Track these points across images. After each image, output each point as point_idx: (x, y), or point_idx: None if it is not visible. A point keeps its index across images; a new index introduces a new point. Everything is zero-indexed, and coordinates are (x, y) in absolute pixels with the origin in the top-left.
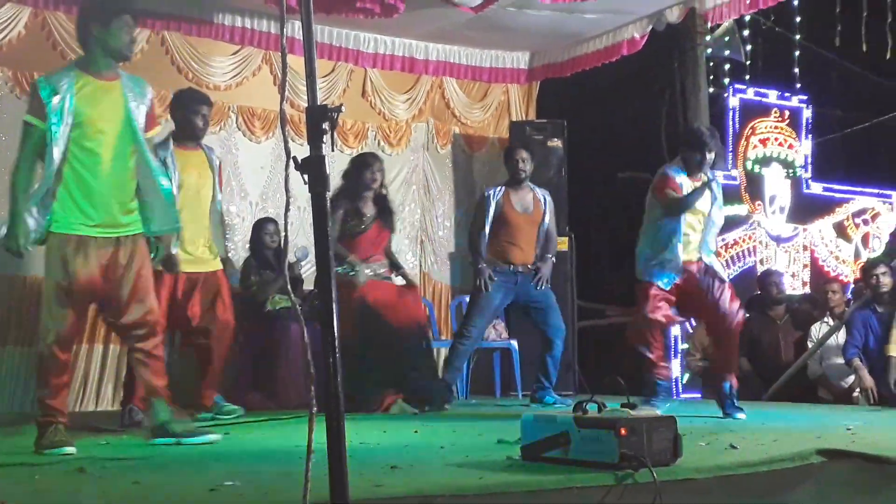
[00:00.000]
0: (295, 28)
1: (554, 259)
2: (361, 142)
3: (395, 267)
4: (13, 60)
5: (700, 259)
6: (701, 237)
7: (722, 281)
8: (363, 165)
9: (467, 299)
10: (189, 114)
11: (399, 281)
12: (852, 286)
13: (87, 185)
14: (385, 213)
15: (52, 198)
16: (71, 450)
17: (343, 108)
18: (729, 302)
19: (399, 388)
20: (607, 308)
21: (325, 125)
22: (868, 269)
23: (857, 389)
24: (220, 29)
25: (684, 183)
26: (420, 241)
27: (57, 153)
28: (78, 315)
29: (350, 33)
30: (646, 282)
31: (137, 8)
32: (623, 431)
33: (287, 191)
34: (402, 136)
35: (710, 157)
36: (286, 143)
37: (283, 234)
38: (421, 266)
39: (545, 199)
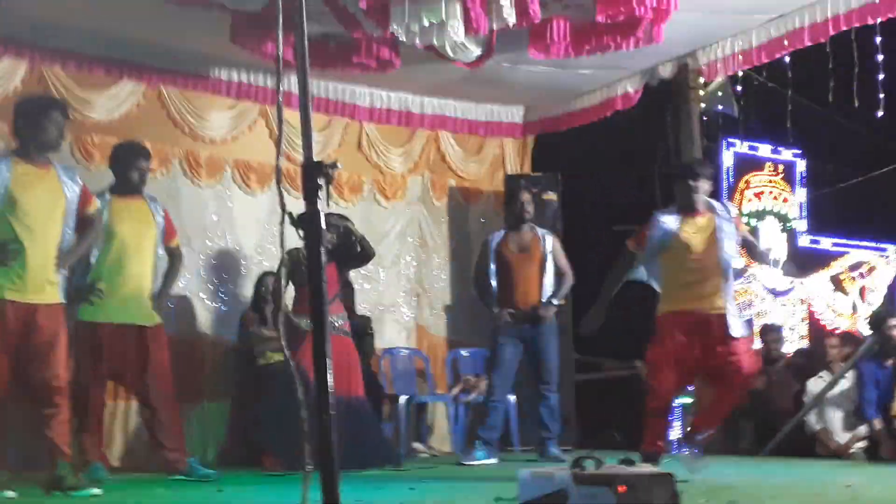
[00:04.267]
0: (292, 82)
1: (560, 301)
2: (357, 195)
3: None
4: (9, 115)
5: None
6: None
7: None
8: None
9: (462, 352)
10: (125, 168)
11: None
12: (864, 337)
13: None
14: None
15: None
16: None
17: (339, 164)
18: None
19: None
20: (604, 362)
21: (321, 181)
22: (879, 321)
23: (855, 445)
24: (216, 83)
25: (669, 223)
26: (416, 294)
27: None
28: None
29: (346, 87)
30: None
31: (63, 106)
32: (621, 488)
33: (283, 246)
34: (397, 189)
35: (700, 184)
36: (282, 199)
37: (282, 287)
38: (417, 319)
39: (545, 238)
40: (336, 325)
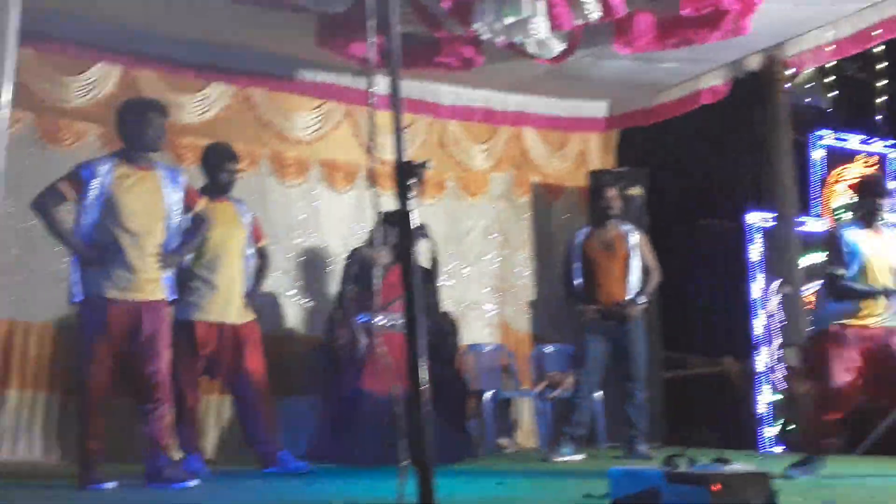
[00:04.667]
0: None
1: (647, 298)
2: (440, 192)
3: None
4: (105, 118)
5: None
6: None
7: None
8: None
9: (547, 349)
10: (215, 170)
11: None
12: None
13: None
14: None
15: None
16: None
17: (429, 163)
18: None
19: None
20: (690, 358)
21: (412, 180)
22: None
23: None
24: (302, 85)
25: (858, 238)
26: (500, 291)
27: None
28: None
29: (429, 86)
30: None
31: (162, 107)
32: (715, 487)
33: (386, 243)
34: (480, 185)
35: (884, 202)
36: (374, 199)
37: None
38: (500, 315)
39: (630, 235)
40: (397, 323)
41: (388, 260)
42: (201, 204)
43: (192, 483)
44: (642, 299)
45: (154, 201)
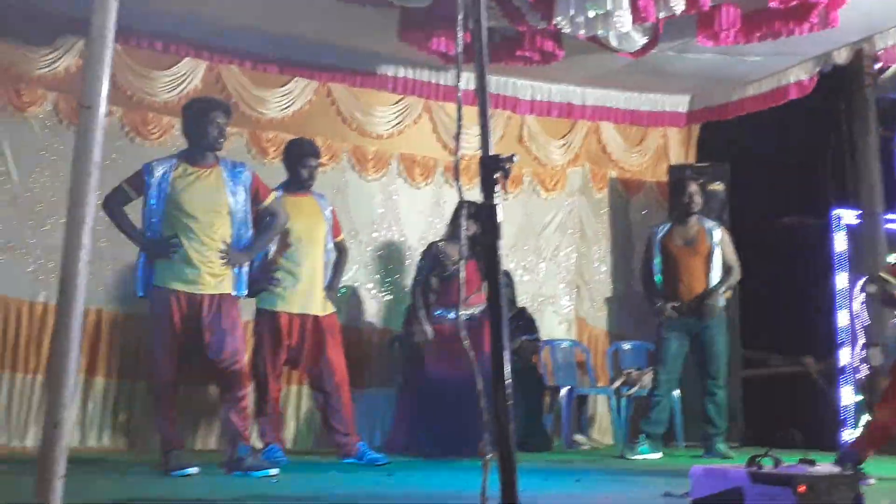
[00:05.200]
0: (454, 77)
1: (727, 292)
2: (517, 187)
3: None
4: None
5: None
6: None
7: None
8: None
9: (624, 345)
10: (297, 165)
11: None
12: None
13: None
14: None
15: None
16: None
17: (516, 157)
18: None
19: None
20: (771, 357)
21: (498, 175)
22: None
23: None
24: (382, 79)
25: None
26: (576, 286)
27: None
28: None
29: (507, 81)
30: None
31: (226, 106)
32: (801, 488)
33: (461, 237)
34: (557, 180)
35: None
36: (460, 193)
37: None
38: (577, 311)
39: (712, 231)
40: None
41: (465, 254)
42: (271, 198)
43: (273, 472)
44: (724, 296)
45: (216, 198)
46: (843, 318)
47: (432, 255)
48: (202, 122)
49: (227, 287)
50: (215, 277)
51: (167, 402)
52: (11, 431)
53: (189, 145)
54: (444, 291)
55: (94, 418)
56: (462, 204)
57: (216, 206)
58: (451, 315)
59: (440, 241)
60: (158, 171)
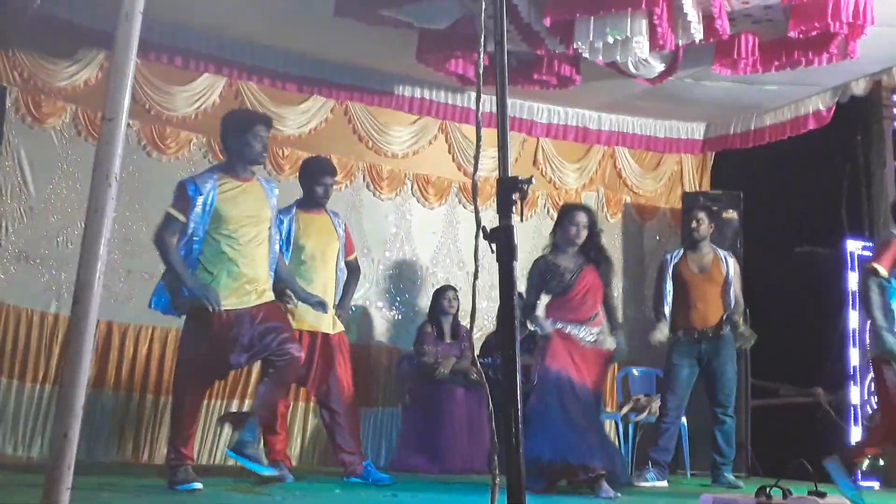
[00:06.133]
0: (470, 99)
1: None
2: (531, 210)
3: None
4: (209, 128)
5: None
6: None
7: None
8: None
9: (634, 371)
10: (312, 183)
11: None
12: None
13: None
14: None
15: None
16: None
17: (533, 179)
18: None
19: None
20: (782, 387)
21: (515, 196)
22: None
23: None
24: (399, 100)
25: None
26: None
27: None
28: None
29: (524, 104)
30: None
31: (268, 120)
32: None
33: (476, 260)
34: None
35: None
36: (477, 213)
37: (472, 304)
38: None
39: (727, 261)
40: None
41: (575, 264)
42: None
43: (267, 472)
44: (741, 325)
45: (259, 210)
46: (854, 356)
47: (540, 270)
48: (245, 135)
49: (269, 296)
50: (259, 288)
51: (191, 419)
52: (18, 441)
53: (228, 158)
54: (554, 306)
55: (101, 430)
56: (569, 208)
57: (260, 219)
58: (572, 329)
59: (549, 253)
60: (207, 185)
